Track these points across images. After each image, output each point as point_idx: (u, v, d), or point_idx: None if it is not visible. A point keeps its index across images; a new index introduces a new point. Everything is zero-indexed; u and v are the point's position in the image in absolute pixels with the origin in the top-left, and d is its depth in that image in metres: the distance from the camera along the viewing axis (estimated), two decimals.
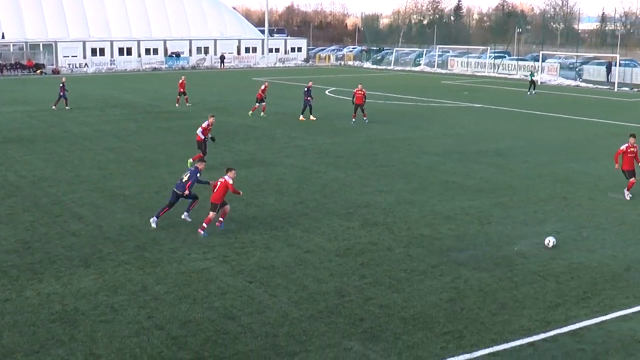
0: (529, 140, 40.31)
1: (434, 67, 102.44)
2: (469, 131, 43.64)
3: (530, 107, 56.77)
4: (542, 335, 15.16)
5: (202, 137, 32.10)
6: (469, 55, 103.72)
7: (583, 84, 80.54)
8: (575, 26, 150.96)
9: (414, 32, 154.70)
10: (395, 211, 24.84)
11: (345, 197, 26.72)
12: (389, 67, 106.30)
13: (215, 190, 21.95)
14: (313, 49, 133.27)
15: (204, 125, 32.30)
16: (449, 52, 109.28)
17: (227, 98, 61.21)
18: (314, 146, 37.32)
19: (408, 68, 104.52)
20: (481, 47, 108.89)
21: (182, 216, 23.00)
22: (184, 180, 22.40)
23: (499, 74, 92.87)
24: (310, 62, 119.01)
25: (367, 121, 45.91)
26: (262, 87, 50.20)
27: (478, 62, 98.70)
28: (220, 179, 21.92)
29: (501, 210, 25.28)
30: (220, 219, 22.28)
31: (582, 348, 14.62)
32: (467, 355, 14.21)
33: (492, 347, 14.60)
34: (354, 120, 46.02)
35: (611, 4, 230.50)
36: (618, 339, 15.10)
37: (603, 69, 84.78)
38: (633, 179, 27.17)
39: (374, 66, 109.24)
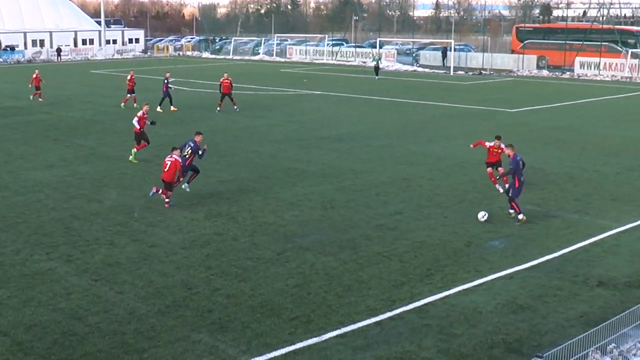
0: (370, 125, 41.05)
1: (272, 55, 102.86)
2: (310, 118, 44.05)
3: (369, 93, 57.75)
4: (388, 314, 15.50)
5: (138, 127, 31.42)
6: (307, 43, 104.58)
7: (420, 69, 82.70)
8: (411, 13, 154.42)
9: (252, 22, 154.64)
10: (239, 200, 24.86)
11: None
12: (227, 57, 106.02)
13: (166, 169, 23.65)
14: (151, 39, 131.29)
15: (139, 114, 31.46)
16: (287, 40, 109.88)
17: (65, 92, 59.58)
18: (156, 138, 36.73)
19: (247, 57, 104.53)
20: (319, 35, 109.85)
21: (182, 186, 25.18)
22: (186, 156, 24.67)
23: (337, 61, 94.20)
24: (148, 53, 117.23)
25: (237, 109, 46.51)
26: (129, 77, 49.61)
27: (316, 50, 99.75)
28: (170, 158, 23.76)
29: (344, 194, 25.66)
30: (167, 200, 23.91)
31: (428, 323, 15.04)
32: (316, 339, 14.36)
33: (339, 329, 14.81)
34: (219, 109, 46.47)
35: None
36: (461, 311, 15.63)
37: (439, 54, 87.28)
38: (490, 169, 25.90)
39: (213, 56, 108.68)
